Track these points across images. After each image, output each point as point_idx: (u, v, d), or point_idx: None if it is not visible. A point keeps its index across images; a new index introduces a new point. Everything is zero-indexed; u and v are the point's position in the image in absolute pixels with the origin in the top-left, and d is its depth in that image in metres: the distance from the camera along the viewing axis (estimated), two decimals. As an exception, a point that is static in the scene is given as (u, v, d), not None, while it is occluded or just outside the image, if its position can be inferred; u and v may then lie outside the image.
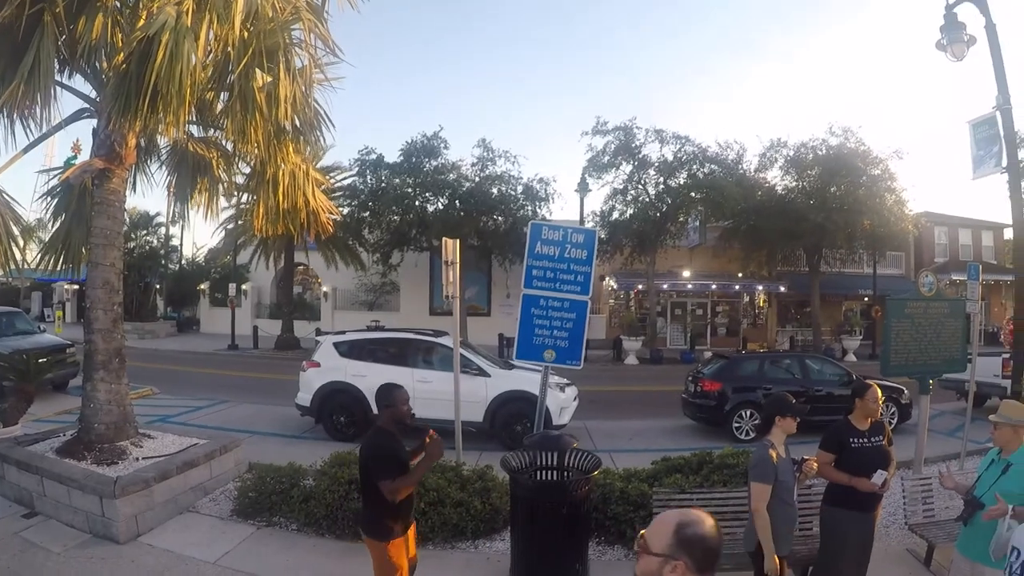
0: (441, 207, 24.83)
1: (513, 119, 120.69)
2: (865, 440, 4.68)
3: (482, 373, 10.93)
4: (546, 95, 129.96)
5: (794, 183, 26.53)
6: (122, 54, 6.52)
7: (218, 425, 11.12)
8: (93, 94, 7.82)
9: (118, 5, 7.20)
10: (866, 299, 30.04)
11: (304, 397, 11.27)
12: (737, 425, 11.65)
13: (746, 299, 32.40)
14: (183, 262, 38.28)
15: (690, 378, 12.82)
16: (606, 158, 25.40)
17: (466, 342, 12.59)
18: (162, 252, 36.46)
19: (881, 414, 5.05)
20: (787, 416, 4.30)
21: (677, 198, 24.67)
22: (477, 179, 25.15)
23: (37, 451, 7.41)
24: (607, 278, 30.41)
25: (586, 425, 12.09)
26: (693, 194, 24.71)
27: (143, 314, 32.55)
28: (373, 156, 25.13)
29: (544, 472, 5.68)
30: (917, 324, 7.05)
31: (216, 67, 6.95)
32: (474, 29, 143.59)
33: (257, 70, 6.79)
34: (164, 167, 9.66)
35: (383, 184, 24.56)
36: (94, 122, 7.73)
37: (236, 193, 10.53)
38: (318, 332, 23.86)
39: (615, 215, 25.89)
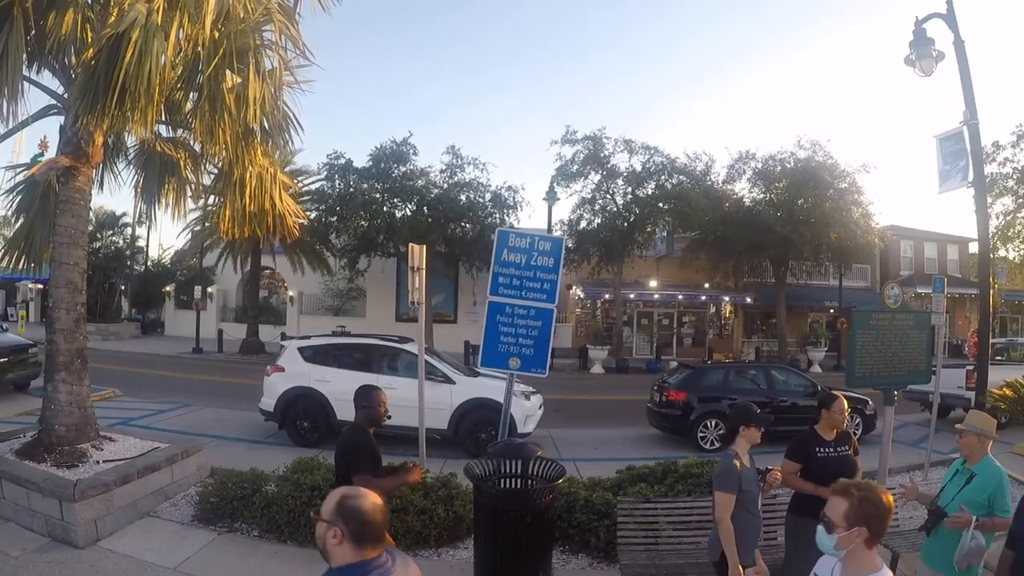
0: (409, 213, 24.81)
1: (481, 128, 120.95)
2: (831, 450, 4.78)
3: (447, 380, 10.92)
4: (512, 102, 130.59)
5: (762, 195, 26.94)
6: (91, 50, 6.44)
7: (181, 429, 10.93)
8: (61, 90, 7.71)
9: (88, 1, 7.11)
10: (832, 311, 30.56)
11: (268, 402, 11.16)
12: (702, 435, 11.74)
13: (712, 309, 32.73)
14: (149, 263, 37.56)
15: (656, 388, 12.89)
16: (575, 167, 25.45)
17: (432, 349, 12.58)
18: (128, 253, 35.83)
19: (846, 425, 5.16)
20: (751, 426, 4.33)
21: (645, 208, 24.80)
22: (445, 186, 25.22)
23: (-4, 452, 7.25)
24: (574, 287, 30.58)
25: (551, 433, 12.12)
26: (661, 204, 24.86)
27: (107, 315, 32.08)
28: (342, 161, 25.06)
29: (508, 480, 5.66)
30: (882, 336, 7.12)
31: (186, 67, 6.90)
32: (440, 37, 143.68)
33: (227, 71, 6.77)
34: (131, 166, 9.54)
35: (351, 189, 24.47)
36: (62, 119, 7.62)
37: (203, 195, 10.44)
38: (283, 337, 23.66)
39: (583, 224, 25.98)
